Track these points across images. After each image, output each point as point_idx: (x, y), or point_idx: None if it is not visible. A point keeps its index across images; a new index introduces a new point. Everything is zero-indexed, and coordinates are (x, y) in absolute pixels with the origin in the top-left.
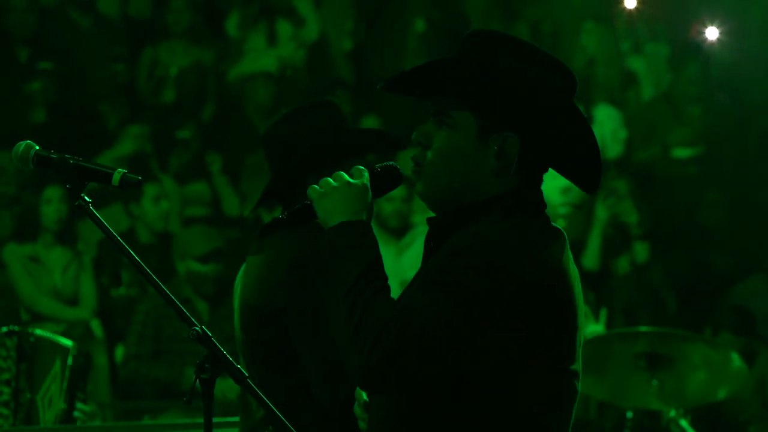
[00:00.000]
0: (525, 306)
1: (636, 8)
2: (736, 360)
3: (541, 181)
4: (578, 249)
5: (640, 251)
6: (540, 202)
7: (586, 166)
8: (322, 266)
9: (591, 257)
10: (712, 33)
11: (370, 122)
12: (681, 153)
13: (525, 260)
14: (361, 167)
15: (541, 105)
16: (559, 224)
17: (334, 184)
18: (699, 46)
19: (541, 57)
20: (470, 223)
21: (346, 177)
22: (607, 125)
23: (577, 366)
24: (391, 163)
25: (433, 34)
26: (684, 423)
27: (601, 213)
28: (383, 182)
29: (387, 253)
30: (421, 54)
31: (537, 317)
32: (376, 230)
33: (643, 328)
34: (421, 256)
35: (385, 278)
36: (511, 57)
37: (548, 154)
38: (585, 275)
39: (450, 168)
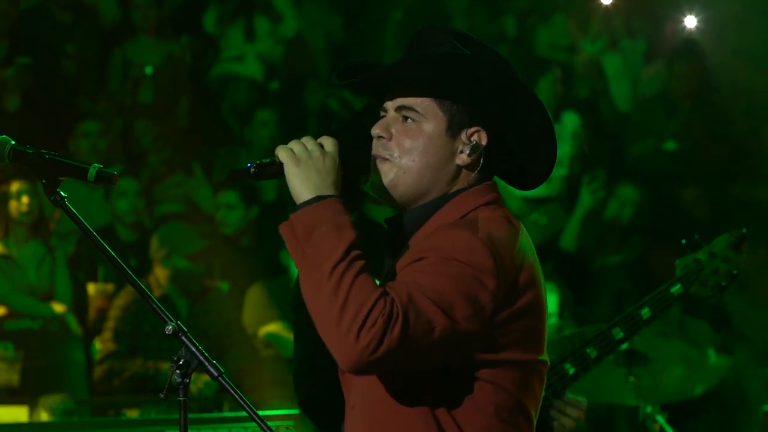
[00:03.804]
0: (502, 307)
1: (612, 4)
2: (712, 356)
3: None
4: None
5: (632, 244)
6: (499, 195)
7: (541, 159)
8: (299, 240)
9: (568, 239)
10: (690, 22)
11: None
12: (670, 145)
13: (499, 256)
14: (330, 137)
15: (508, 97)
16: (536, 217)
17: (308, 150)
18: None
19: (491, 50)
20: (435, 217)
21: (316, 144)
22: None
23: (545, 356)
24: (358, 147)
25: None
26: (660, 419)
27: (585, 198)
28: (352, 156)
29: None
30: (400, 49)
31: (513, 317)
32: None
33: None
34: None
35: (365, 259)
36: (472, 50)
37: (512, 147)
38: (562, 256)
39: (423, 162)
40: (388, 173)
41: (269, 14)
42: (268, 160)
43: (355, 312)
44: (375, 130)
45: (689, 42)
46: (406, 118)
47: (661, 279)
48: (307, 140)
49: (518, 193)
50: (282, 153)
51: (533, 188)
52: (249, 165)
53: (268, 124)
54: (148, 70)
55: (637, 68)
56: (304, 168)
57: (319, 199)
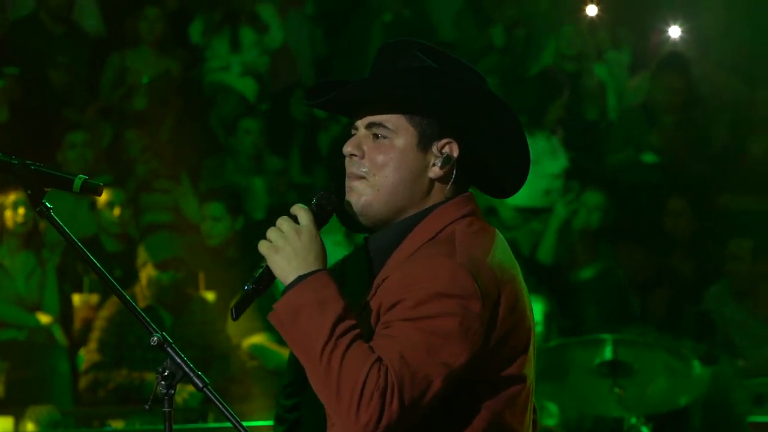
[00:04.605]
0: (489, 328)
1: (597, 16)
2: (697, 367)
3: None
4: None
5: (605, 254)
6: (476, 206)
7: (515, 166)
8: (286, 328)
9: (545, 251)
10: (674, 32)
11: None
12: (649, 158)
13: (481, 278)
14: (301, 205)
15: (477, 106)
16: (534, 227)
17: (283, 234)
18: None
19: (457, 60)
20: (412, 233)
21: (290, 223)
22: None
23: (530, 370)
24: (323, 191)
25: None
26: (645, 430)
27: (560, 209)
28: (324, 212)
29: None
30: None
31: (498, 335)
32: None
33: (605, 336)
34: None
35: (356, 326)
36: (437, 62)
37: (484, 155)
38: (539, 268)
39: (396, 178)
40: (362, 194)
41: (255, 25)
42: (259, 268)
43: (350, 391)
44: (346, 149)
45: (673, 54)
46: (376, 135)
47: (636, 282)
48: (281, 222)
49: (514, 202)
50: (262, 247)
51: (509, 196)
52: (246, 287)
53: (251, 133)
54: (144, 79)
55: (622, 79)
56: (283, 254)
57: (300, 280)
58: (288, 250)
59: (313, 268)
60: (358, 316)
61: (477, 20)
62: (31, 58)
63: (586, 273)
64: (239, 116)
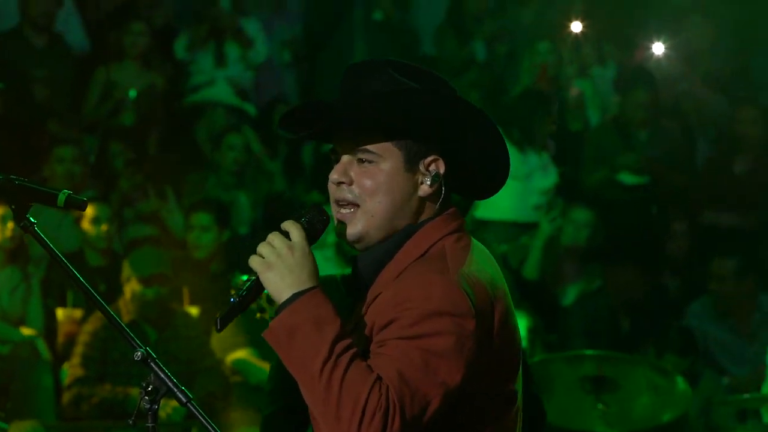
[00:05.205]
0: (482, 345)
1: (582, 32)
2: (680, 383)
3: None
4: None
5: (593, 274)
6: (462, 221)
7: (497, 171)
8: (283, 347)
9: (531, 268)
10: (658, 48)
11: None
12: (628, 179)
13: (474, 294)
14: (292, 221)
15: (457, 119)
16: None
17: (276, 250)
18: (645, 68)
19: (427, 72)
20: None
21: (283, 240)
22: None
23: (519, 386)
24: (313, 208)
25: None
26: None
27: (545, 227)
28: (315, 229)
29: None
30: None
31: (491, 352)
32: None
33: (589, 352)
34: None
35: (353, 344)
36: (412, 80)
37: (467, 166)
38: (525, 284)
39: (389, 201)
40: (356, 223)
41: (240, 39)
42: (248, 282)
43: (351, 410)
44: (333, 176)
45: (640, 69)
46: (362, 160)
47: (623, 301)
48: (273, 238)
49: (505, 217)
50: (254, 262)
51: (489, 196)
52: (231, 300)
53: (235, 148)
54: (132, 93)
55: (606, 95)
56: (276, 271)
57: (295, 297)
58: (281, 266)
59: (308, 285)
60: (351, 333)
61: (457, 35)
62: (14, 72)
63: (574, 291)
64: (225, 131)
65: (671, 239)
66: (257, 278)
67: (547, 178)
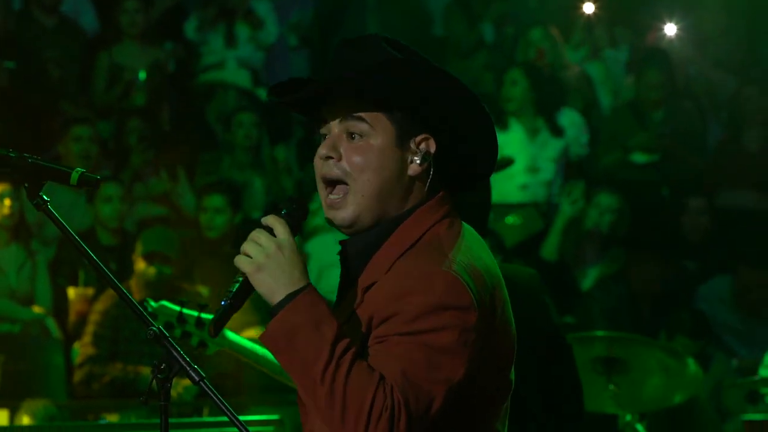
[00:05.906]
0: (483, 336)
1: (594, 13)
2: (691, 365)
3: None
4: (535, 242)
5: (616, 256)
6: (453, 206)
7: (486, 156)
8: (282, 351)
9: (550, 249)
10: (670, 29)
11: None
12: (639, 158)
13: (474, 284)
14: (274, 216)
15: (450, 97)
16: (511, 220)
17: (263, 249)
18: (659, 48)
19: (416, 52)
20: (392, 237)
21: (269, 237)
22: (570, 130)
23: (512, 373)
24: (291, 200)
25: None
26: (640, 427)
27: (566, 208)
28: (298, 221)
29: None
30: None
31: (491, 342)
32: None
33: (600, 333)
34: None
35: (352, 343)
36: (402, 54)
37: (456, 149)
38: (544, 266)
39: (379, 180)
40: (347, 207)
41: (250, 20)
42: (236, 283)
43: (357, 412)
44: (322, 151)
45: (654, 50)
46: (352, 135)
47: (644, 288)
48: (258, 235)
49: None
50: (241, 263)
51: (482, 181)
52: (223, 303)
53: (244, 125)
54: (142, 75)
55: (619, 77)
56: (268, 271)
57: (290, 298)
58: (272, 266)
59: (301, 284)
60: (345, 325)
61: (466, 15)
62: (26, 51)
63: (593, 274)
64: (236, 111)
65: (688, 220)
66: (245, 279)
67: (547, 150)
